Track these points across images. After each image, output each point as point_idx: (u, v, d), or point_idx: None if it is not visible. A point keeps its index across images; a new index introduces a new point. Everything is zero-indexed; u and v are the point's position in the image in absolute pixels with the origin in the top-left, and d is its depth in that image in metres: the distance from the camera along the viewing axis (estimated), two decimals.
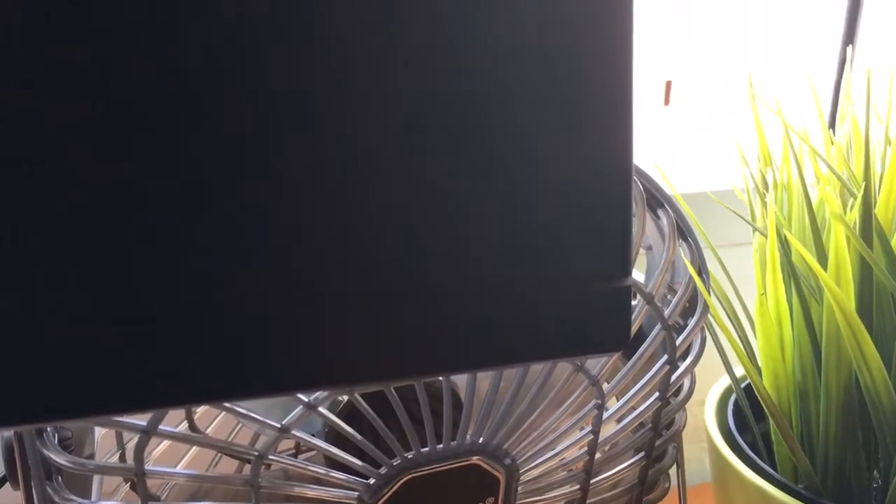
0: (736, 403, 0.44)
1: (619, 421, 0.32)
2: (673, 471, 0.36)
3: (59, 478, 0.27)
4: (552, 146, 0.21)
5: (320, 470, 0.28)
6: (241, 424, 0.39)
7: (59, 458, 0.25)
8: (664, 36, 0.59)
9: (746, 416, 0.43)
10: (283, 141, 0.19)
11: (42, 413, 0.20)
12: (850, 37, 0.62)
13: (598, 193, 0.22)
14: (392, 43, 0.19)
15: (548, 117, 0.21)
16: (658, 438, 0.33)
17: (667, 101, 0.62)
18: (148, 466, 0.25)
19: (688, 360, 0.32)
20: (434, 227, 0.21)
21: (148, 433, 0.25)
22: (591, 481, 0.32)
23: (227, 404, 0.25)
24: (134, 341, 0.20)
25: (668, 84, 0.62)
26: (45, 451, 0.25)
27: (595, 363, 0.29)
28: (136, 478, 0.25)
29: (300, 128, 0.19)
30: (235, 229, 0.20)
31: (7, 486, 0.32)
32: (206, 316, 0.20)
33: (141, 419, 0.25)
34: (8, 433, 0.29)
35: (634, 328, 0.30)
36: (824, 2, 0.61)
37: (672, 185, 0.43)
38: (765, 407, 0.38)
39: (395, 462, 0.28)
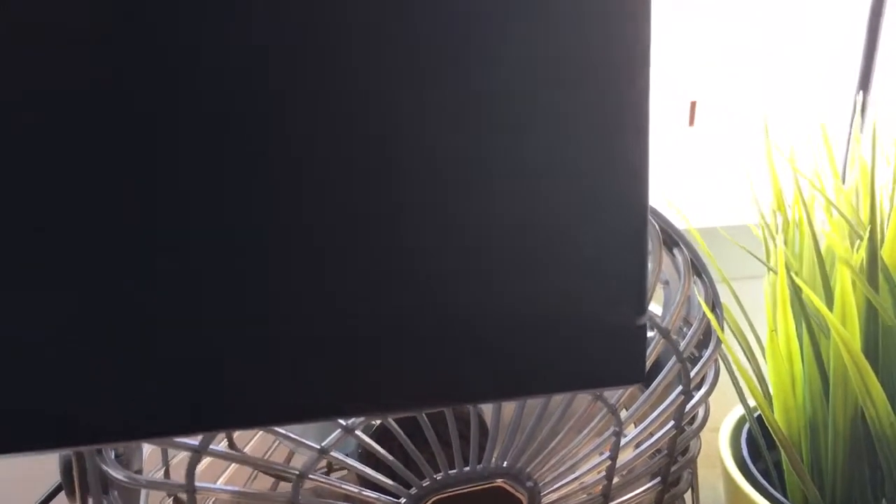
0: (749, 432, 0.46)
1: (636, 447, 0.34)
2: (688, 496, 0.38)
3: (115, 492, 0.30)
4: (571, 192, 0.23)
5: (354, 489, 0.30)
6: (277, 443, 0.41)
7: (118, 474, 0.27)
8: (689, 57, 0.61)
9: (759, 444, 0.45)
10: (327, 176, 0.21)
11: (115, 434, 0.22)
12: (865, 82, 0.63)
13: (616, 238, 0.24)
14: (418, 102, 0.22)
15: (566, 162, 0.23)
16: (674, 464, 0.35)
17: (691, 122, 0.64)
18: (197, 483, 0.27)
19: (702, 391, 0.34)
20: (466, 268, 0.23)
21: (199, 452, 0.27)
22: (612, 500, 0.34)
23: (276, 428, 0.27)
24: (197, 373, 0.22)
25: (693, 105, 0.64)
26: (104, 467, 0.28)
27: (613, 392, 0.31)
28: (188, 493, 0.28)
29: (340, 165, 0.21)
30: (285, 267, 0.22)
31: (60, 497, 0.34)
32: (261, 349, 0.22)
33: (191, 439, 0.27)
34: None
35: (651, 360, 0.32)
36: (845, 21, 0.63)
37: (688, 219, 0.44)
38: (775, 438, 0.40)
39: (425, 483, 0.30)
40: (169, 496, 0.36)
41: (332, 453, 0.28)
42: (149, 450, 0.34)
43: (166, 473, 0.35)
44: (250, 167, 0.21)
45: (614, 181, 0.24)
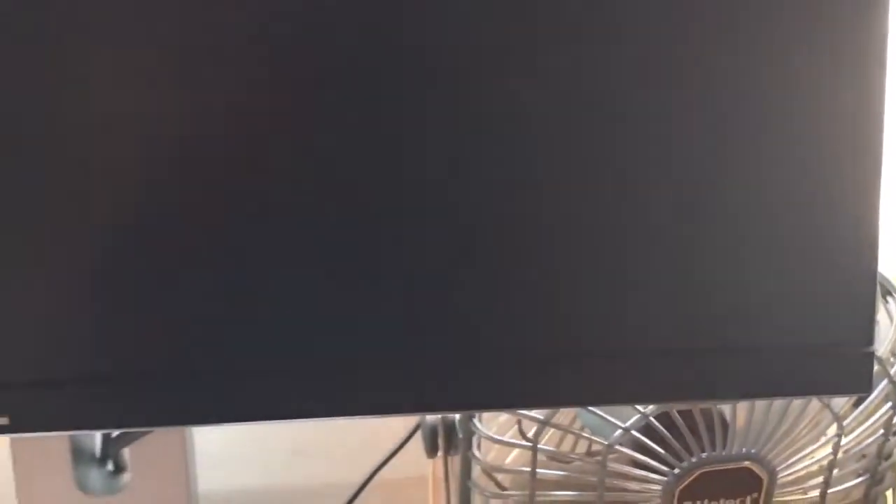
0: None
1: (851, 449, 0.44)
2: (889, 492, 0.47)
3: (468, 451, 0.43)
4: (805, 235, 0.34)
5: (639, 458, 0.42)
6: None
7: (487, 431, 0.41)
8: None
9: None
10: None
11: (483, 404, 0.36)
12: None
13: (852, 285, 0.35)
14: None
15: (801, 206, 0.34)
16: (880, 465, 0.45)
17: None
18: (539, 445, 0.40)
19: None
20: (742, 301, 0.35)
21: (544, 423, 0.40)
22: (829, 490, 0.44)
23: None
24: (564, 364, 0.35)
25: None
26: (478, 426, 0.41)
27: (838, 402, 0.42)
28: (532, 451, 0.40)
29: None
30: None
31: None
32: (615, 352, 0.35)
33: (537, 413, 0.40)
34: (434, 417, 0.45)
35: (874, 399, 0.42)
36: None
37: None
38: None
39: (694, 460, 0.41)
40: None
41: (615, 436, 0.41)
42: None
43: None
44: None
45: (844, 220, 0.34)
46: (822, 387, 0.36)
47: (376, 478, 0.54)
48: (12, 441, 0.43)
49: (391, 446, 0.52)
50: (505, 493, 0.42)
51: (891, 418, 0.43)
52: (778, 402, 0.41)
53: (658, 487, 0.41)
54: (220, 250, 0.32)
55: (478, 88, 0.32)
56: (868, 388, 0.35)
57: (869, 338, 0.35)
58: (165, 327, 0.33)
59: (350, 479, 0.54)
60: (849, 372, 0.35)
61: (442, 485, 0.48)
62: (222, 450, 0.53)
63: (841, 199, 0.34)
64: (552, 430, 0.40)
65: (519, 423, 0.42)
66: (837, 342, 0.34)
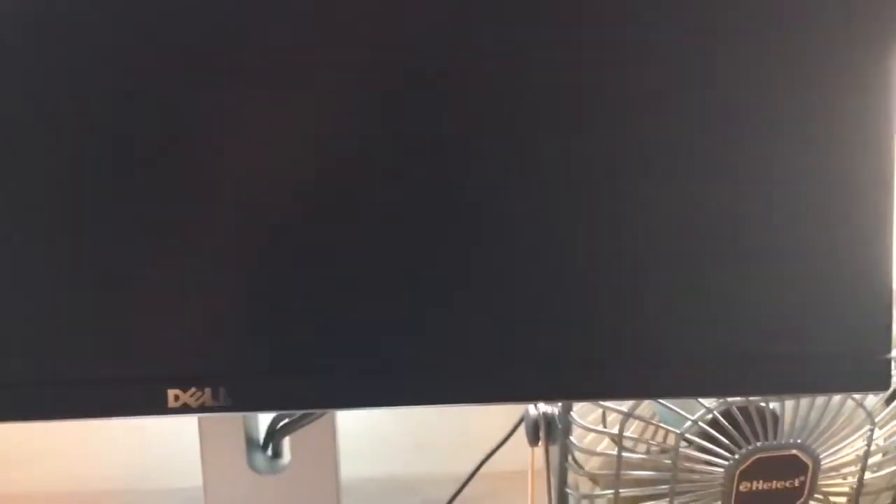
0: None
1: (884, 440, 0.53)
2: None
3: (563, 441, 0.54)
4: (828, 261, 0.44)
5: (705, 446, 0.51)
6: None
7: (583, 422, 0.51)
8: None
9: None
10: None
11: (577, 394, 0.46)
12: None
13: (869, 299, 0.44)
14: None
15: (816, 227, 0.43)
16: None
17: None
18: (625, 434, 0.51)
19: None
20: (770, 317, 0.45)
21: (628, 416, 0.50)
22: (865, 476, 0.53)
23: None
24: (640, 359, 0.45)
25: None
26: (574, 416, 0.52)
27: (871, 402, 0.51)
28: (618, 441, 0.51)
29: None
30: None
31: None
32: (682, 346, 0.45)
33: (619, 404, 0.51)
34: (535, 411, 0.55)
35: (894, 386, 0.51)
36: None
37: None
38: None
39: (750, 447, 0.51)
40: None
41: (686, 426, 0.51)
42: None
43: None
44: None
45: (858, 239, 0.44)
46: (849, 386, 0.46)
47: (480, 469, 0.64)
48: (201, 426, 0.55)
49: (487, 441, 0.63)
50: (597, 472, 0.52)
51: None
52: (820, 400, 0.50)
53: (721, 470, 0.51)
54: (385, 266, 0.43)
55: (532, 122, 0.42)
56: (886, 387, 0.45)
57: (887, 346, 0.44)
58: (347, 330, 0.44)
59: (455, 470, 0.65)
60: (870, 374, 0.45)
61: (541, 472, 0.58)
62: (357, 442, 0.64)
63: (856, 227, 0.43)
64: (634, 422, 0.51)
65: (603, 415, 0.52)
66: (860, 350, 0.44)
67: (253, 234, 0.44)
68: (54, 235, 0.44)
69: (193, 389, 0.45)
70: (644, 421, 0.51)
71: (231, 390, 0.45)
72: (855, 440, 0.52)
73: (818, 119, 0.43)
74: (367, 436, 0.67)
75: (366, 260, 0.43)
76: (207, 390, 0.45)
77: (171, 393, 0.45)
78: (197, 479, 0.60)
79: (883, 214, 0.43)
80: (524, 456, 0.60)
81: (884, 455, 0.54)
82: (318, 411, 0.51)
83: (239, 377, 0.45)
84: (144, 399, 0.45)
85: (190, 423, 0.60)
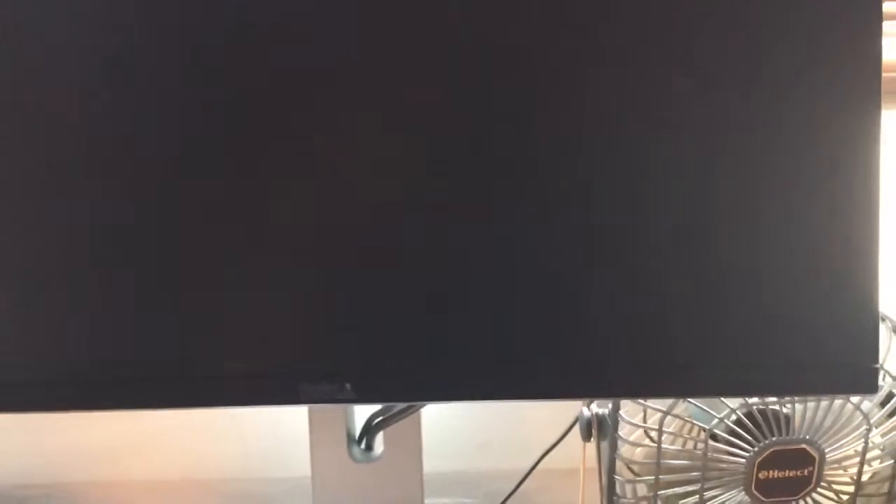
0: None
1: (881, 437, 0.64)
2: None
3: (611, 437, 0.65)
4: (826, 285, 0.56)
5: (727, 440, 0.63)
6: None
7: (632, 420, 0.63)
8: None
9: None
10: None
11: (619, 391, 0.58)
12: None
13: (858, 328, 0.56)
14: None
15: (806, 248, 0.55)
16: None
17: None
18: (665, 429, 0.62)
19: None
20: (776, 332, 0.56)
21: (666, 413, 0.62)
22: (866, 469, 0.64)
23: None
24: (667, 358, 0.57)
25: None
26: (623, 416, 0.63)
27: (867, 405, 0.62)
28: (658, 434, 0.62)
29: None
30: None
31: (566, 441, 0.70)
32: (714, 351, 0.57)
33: (659, 404, 0.62)
34: (588, 411, 0.67)
35: (884, 393, 0.63)
36: None
37: None
38: None
39: (767, 441, 0.63)
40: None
41: (715, 423, 0.62)
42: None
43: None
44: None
45: (846, 259, 0.56)
46: (845, 389, 0.57)
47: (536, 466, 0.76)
48: (311, 420, 0.67)
49: (537, 441, 0.74)
50: (640, 461, 0.64)
51: None
52: (824, 404, 0.61)
53: (743, 461, 0.62)
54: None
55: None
56: (874, 391, 0.56)
57: (875, 357, 0.56)
58: (450, 335, 0.56)
59: (513, 467, 0.76)
60: (862, 380, 0.56)
61: (590, 470, 0.69)
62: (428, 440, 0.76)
63: (848, 257, 0.54)
64: (671, 420, 0.62)
65: (644, 413, 0.64)
66: (853, 359, 0.55)
67: (374, 244, 0.56)
68: (198, 248, 0.56)
69: (324, 385, 0.57)
70: (680, 418, 0.63)
71: (355, 385, 0.57)
72: (854, 438, 0.63)
73: (812, 153, 0.54)
74: (437, 436, 0.79)
75: (471, 268, 0.55)
76: (335, 385, 0.57)
77: (303, 387, 0.57)
78: (297, 470, 0.72)
79: (869, 254, 0.55)
80: (573, 454, 0.71)
81: (881, 450, 0.65)
82: (418, 404, 0.63)
83: (361, 374, 0.57)
84: (281, 392, 0.58)
85: (290, 417, 0.73)
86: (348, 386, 0.57)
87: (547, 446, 0.75)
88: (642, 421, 0.65)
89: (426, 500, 0.69)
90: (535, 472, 0.77)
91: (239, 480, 0.81)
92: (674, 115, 0.53)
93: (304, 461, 0.67)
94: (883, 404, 0.64)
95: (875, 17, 0.52)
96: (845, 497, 0.65)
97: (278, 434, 0.80)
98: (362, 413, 0.69)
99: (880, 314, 0.58)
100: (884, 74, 0.52)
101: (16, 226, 0.56)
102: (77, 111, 0.54)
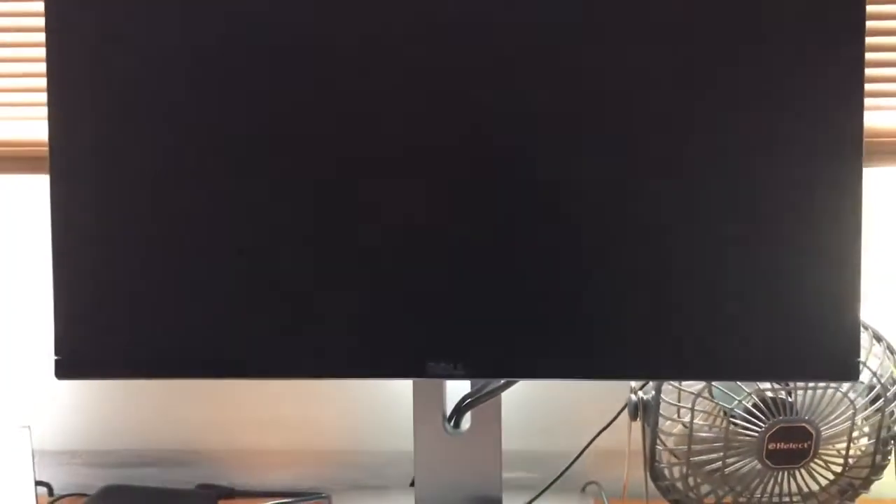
0: None
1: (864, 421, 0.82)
2: (892, 450, 0.85)
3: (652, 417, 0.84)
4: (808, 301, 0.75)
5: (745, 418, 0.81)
6: None
7: (670, 399, 0.82)
8: None
9: None
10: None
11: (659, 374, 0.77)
12: None
13: (844, 329, 0.75)
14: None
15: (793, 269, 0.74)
16: (881, 433, 0.83)
17: None
18: (696, 408, 0.81)
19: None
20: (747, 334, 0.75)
21: (697, 395, 0.81)
22: (851, 446, 0.83)
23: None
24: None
25: None
26: (665, 399, 0.82)
27: (854, 393, 0.81)
28: (691, 416, 0.81)
29: None
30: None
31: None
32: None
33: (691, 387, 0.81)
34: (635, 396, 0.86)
35: (868, 387, 0.81)
36: None
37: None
38: None
39: (775, 419, 0.81)
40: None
41: (736, 405, 0.81)
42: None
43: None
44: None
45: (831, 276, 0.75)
46: (834, 377, 0.76)
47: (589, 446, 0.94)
48: (415, 398, 0.86)
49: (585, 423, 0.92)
50: (677, 434, 0.82)
51: (882, 407, 0.82)
52: (819, 391, 0.80)
53: (757, 434, 0.81)
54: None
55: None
56: (856, 378, 0.75)
57: (857, 352, 0.75)
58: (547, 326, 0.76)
59: (565, 448, 0.95)
60: (846, 370, 0.75)
61: (637, 443, 0.88)
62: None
63: (837, 279, 0.74)
64: (699, 399, 0.81)
65: (679, 393, 0.83)
66: (840, 354, 0.74)
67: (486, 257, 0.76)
68: (349, 256, 0.77)
69: (443, 363, 0.77)
70: (708, 399, 0.82)
71: (465, 364, 0.76)
72: (843, 420, 0.82)
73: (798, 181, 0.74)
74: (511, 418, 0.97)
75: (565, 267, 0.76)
76: (451, 364, 0.76)
77: (429, 364, 0.76)
78: (396, 444, 0.91)
79: (854, 280, 0.74)
80: (617, 436, 0.89)
81: (866, 431, 0.83)
82: (505, 383, 0.82)
83: (471, 355, 0.76)
84: (410, 367, 0.77)
85: (390, 396, 0.92)
86: (460, 364, 0.76)
87: (596, 428, 0.93)
88: (677, 401, 0.83)
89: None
90: (588, 450, 0.94)
91: (348, 452, 1.00)
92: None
93: (402, 436, 0.86)
94: (867, 394, 0.82)
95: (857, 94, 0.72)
96: (837, 468, 0.83)
97: (382, 409, 0.98)
98: (452, 396, 0.88)
99: (863, 323, 0.78)
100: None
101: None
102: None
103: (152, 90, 0.73)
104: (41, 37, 0.74)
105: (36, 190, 0.93)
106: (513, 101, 0.73)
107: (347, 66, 0.73)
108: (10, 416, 0.98)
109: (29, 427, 0.89)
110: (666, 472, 0.84)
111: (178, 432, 1.00)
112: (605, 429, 0.91)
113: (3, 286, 0.99)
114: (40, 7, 0.74)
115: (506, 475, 0.89)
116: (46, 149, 0.75)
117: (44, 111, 0.74)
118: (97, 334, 0.75)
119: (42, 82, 0.75)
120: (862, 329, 0.78)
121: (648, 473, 0.85)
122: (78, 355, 0.75)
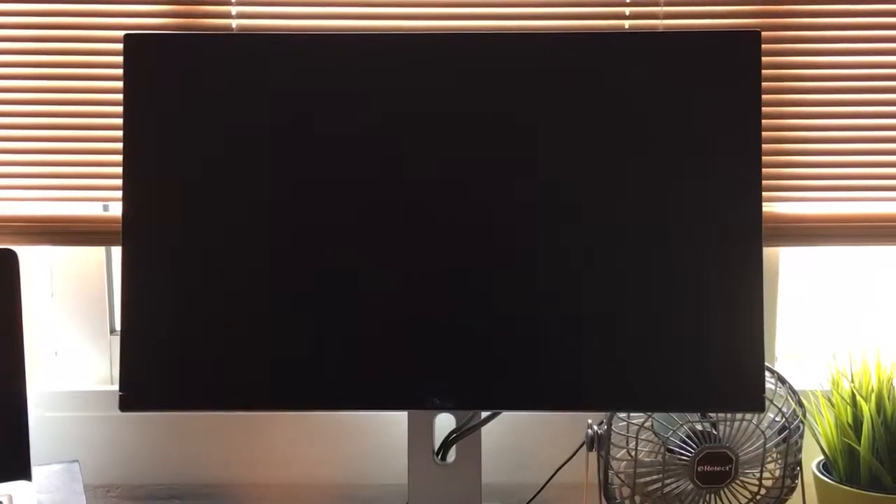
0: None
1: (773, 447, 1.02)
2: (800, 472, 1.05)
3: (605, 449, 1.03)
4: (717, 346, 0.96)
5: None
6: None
7: (618, 430, 1.01)
8: None
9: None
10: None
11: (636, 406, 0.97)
12: None
13: (751, 370, 0.96)
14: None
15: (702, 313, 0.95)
16: (787, 459, 1.03)
17: None
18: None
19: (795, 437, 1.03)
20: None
21: (640, 427, 1.00)
22: (764, 469, 1.02)
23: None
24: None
25: None
26: (615, 429, 1.01)
27: (769, 429, 1.01)
28: (635, 445, 1.00)
29: None
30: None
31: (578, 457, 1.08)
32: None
33: (636, 419, 1.00)
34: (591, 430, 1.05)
35: (776, 419, 1.01)
36: None
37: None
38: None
39: (702, 446, 1.01)
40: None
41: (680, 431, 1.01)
42: None
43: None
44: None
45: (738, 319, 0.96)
46: (742, 408, 0.96)
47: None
48: (410, 432, 1.04)
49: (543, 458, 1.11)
50: (622, 458, 1.01)
51: (787, 437, 1.02)
52: (737, 424, 1.00)
53: (688, 458, 1.01)
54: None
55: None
56: (762, 410, 0.95)
57: (762, 388, 0.95)
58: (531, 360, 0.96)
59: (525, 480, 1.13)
60: (753, 402, 0.95)
61: (593, 472, 1.07)
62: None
63: (744, 329, 0.95)
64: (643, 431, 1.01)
65: (627, 426, 1.02)
66: (747, 387, 0.95)
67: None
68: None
69: (435, 399, 0.96)
70: (648, 430, 1.01)
71: (455, 400, 0.96)
72: (756, 448, 1.02)
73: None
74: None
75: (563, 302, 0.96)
76: (444, 398, 0.95)
77: (429, 399, 0.95)
78: (388, 477, 1.09)
79: (757, 329, 0.95)
80: (579, 467, 1.08)
81: (775, 457, 1.03)
82: (489, 416, 1.01)
83: (461, 390, 0.96)
84: (412, 401, 0.96)
85: (385, 432, 1.10)
86: (452, 400, 0.95)
87: (552, 460, 1.11)
88: (626, 432, 1.03)
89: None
90: (552, 481, 1.12)
91: (343, 486, 1.18)
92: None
93: (394, 470, 1.04)
94: (775, 425, 1.02)
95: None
96: (753, 488, 1.03)
97: (375, 446, 1.16)
98: (440, 430, 1.06)
99: (770, 368, 0.98)
100: None
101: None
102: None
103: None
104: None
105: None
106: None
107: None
108: (56, 450, 1.13)
109: (78, 461, 1.05)
110: (616, 493, 1.03)
111: (179, 465, 1.18)
112: (566, 462, 1.10)
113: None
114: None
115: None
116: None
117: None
118: (156, 375, 0.94)
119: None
120: (769, 374, 0.99)
121: (603, 494, 1.03)
122: (140, 392, 0.93)
